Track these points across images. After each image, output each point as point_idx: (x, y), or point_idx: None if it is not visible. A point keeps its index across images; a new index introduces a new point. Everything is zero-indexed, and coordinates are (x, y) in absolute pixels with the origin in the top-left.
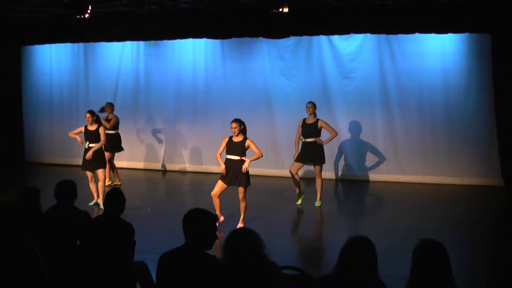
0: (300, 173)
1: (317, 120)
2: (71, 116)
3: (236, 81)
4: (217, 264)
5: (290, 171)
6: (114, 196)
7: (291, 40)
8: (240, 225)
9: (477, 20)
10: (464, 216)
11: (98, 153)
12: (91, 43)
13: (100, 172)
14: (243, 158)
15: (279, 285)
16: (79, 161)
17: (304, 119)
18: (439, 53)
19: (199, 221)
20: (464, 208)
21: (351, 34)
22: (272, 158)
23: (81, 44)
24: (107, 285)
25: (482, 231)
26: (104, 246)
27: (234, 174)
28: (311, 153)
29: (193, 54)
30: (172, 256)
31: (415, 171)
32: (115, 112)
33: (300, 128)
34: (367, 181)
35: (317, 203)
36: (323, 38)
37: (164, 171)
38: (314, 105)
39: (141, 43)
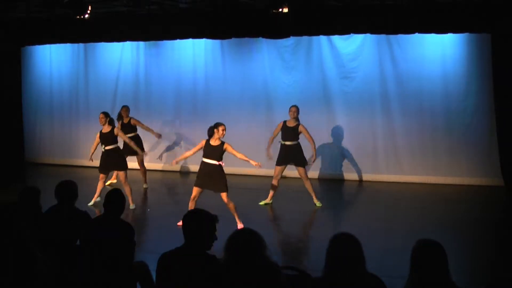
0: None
1: (298, 124)
2: (71, 116)
3: (236, 81)
4: (217, 264)
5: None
6: (114, 196)
7: (291, 40)
8: (240, 225)
9: (477, 20)
10: (464, 216)
11: (118, 155)
12: (91, 43)
13: (121, 175)
14: (220, 163)
15: (280, 285)
16: (79, 161)
17: (285, 122)
18: (439, 53)
19: (199, 221)
20: (464, 208)
21: (351, 34)
22: (272, 158)
23: (81, 44)
24: (107, 286)
25: (482, 231)
26: (104, 246)
27: (211, 179)
28: (291, 155)
29: (193, 54)
30: (172, 256)
31: (415, 171)
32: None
33: (279, 130)
34: (367, 181)
35: (317, 203)
36: (323, 38)
37: (165, 171)
38: (298, 110)
39: (141, 43)
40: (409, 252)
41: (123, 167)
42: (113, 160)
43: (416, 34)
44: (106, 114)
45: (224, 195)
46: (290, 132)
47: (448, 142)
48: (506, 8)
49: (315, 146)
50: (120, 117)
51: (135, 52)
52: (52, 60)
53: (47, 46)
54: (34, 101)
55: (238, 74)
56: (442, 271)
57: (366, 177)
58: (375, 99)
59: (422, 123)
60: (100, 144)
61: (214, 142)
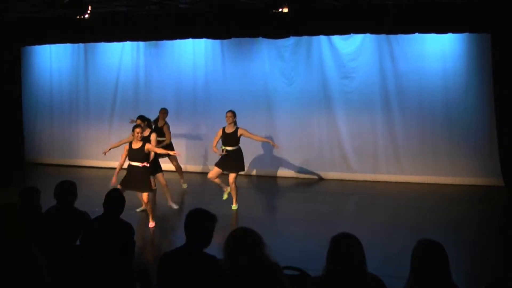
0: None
1: (237, 128)
2: (71, 116)
3: (236, 81)
4: (218, 264)
5: (208, 177)
6: (114, 196)
7: (291, 40)
8: (151, 223)
9: (477, 20)
10: (464, 216)
11: (154, 158)
12: (91, 43)
13: (159, 176)
14: (145, 164)
15: (280, 285)
16: (79, 161)
17: (224, 128)
18: (439, 53)
19: (201, 221)
20: (464, 208)
21: (351, 34)
22: (272, 158)
23: (81, 44)
24: (107, 285)
25: (482, 231)
26: (104, 246)
27: (136, 180)
28: (231, 161)
29: (193, 54)
30: (172, 256)
31: (415, 171)
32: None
33: (219, 137)
34: (367, 181)
35: (233, 207)
36: (323, 38)
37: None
38: (234, 114)
39: (141, 43)
40: (409, 252)
41: (158, 170)
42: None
43: (416, 34)
44: (143, 118)
45: (146, 195)
46: (229, 138)
47: (448, 142)
48: (506, 8)
49: (262, 137)
50: (156, 120)
51: (135, 52)
52: (52, 60)
53: (47, 46)
54: (34, 101)
55: (238, 74)
56: (442, 271)
57: (366, 177)
58: (375, 99)
59: (422, 123)
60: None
61: (135, 145)
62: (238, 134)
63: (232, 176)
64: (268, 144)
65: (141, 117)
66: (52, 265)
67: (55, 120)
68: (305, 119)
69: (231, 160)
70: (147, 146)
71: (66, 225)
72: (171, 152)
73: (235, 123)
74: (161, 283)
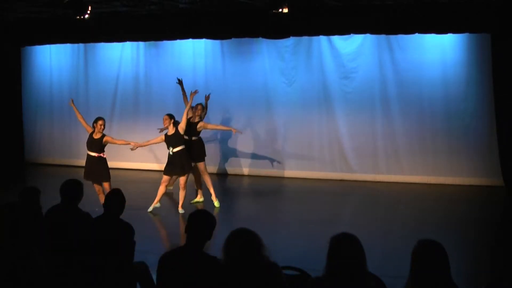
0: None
1: (199, 121)
2: (71, 116)
3: (236, 81)
4: (218, 264)
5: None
6: (114, 196)
7: (291, 40)
8: None
9: (477, 20)
10: (464, 216)
11: (185, 157)
12: (91, 43)
13: (182, 178)
14: (101, 155)
15: (280, 285)
16: (79, 162)
17: (191, 117)
18: (439, 52)
19: (202, 222)
20: (464, 208)
21: (351, 34)
22: (272, 158)
23: (81, 44)
24: (107, 286)
25: (482, 231)
26: (104, 246)
27: (94, 170)
28: (193, 150)
29: (192, 54)
30: (172, 256)
31: (415, 171)
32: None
33: (187, 109)
34: (367, 181)
35: (216, 203)
36: (323, 38)
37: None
38: (203, 108)
39: (141, 43)
40: (409, 252)
41: (186, 171)
42: (178, 165)
43: (416, 34)
44: (170, 116)
45: (107, 185)
46: (192, 127)
47: (448, 142)
48: (506, 8)
49: (223, 126)
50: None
51: (135, 52)
52: (52, 60)
53: (47, 46)
54: (34, 101)
55: (238, 74)
56: (442, 271)
57: (366, 177)
58: (375, 99)
59: (422, 123)
60: (167, 147)
61: (95, 135)
62: (198, 126)
63: (200, 165)
64: (267, 144)
65: (169, 115)
66: (52, 265)
67: (55, 120)
68: (305, 119)
69: (195, 150)
70: (106, 138)
71: (67, 225)
72: (131, 143)
73: (201, 116)
74: (161, 283)
